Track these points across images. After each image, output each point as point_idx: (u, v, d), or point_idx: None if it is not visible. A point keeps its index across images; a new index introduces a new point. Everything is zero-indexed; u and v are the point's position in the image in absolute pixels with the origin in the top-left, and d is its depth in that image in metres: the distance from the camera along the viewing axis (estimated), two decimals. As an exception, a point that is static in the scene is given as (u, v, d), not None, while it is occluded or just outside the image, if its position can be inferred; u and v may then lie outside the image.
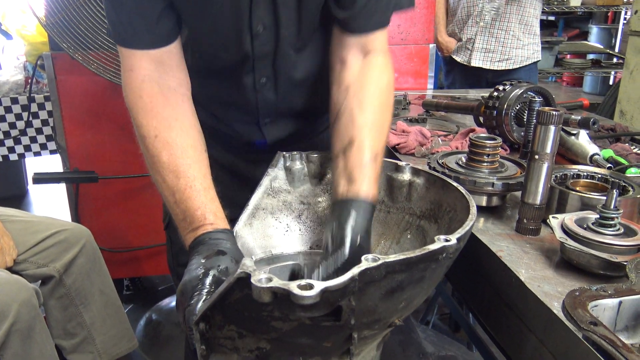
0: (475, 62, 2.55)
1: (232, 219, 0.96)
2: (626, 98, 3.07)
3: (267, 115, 1.16)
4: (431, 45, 2.33)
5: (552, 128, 0.92)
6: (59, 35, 1.96)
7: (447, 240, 0.67)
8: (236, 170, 1.27)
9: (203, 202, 0.88)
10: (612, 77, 5.49)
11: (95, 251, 1.78)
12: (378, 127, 0.96)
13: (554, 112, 0.91)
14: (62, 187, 2.46)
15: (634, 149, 1.51)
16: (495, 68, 2.56)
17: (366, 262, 0.58)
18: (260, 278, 0.55)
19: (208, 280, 0.73)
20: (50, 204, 3.90)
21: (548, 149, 0.93)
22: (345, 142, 0.93)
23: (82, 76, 2.19)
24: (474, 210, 0.79)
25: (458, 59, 2.61)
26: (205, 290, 0.72)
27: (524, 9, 2.46)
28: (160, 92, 0.96)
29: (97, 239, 1.82)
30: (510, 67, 2.56)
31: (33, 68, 2.52)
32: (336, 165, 0.93)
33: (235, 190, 1.18)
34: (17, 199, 3.99)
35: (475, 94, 2.18)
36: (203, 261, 0.77)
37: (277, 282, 0.55)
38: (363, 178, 0.88)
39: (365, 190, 0.87)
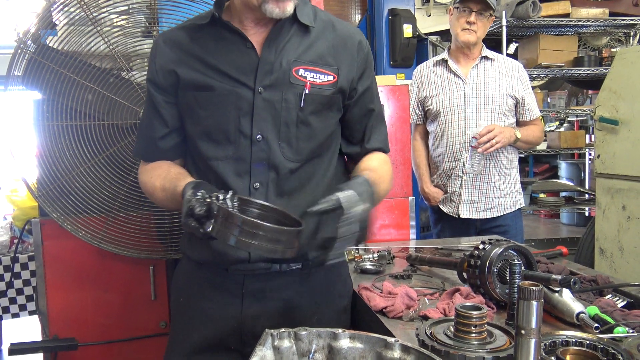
0: (464, 214, 2.66)
1: None
2: (603, 236, 3.16)
3: None
4: (410, 198, 2.43)
5: (534, 303, 0.94)
6: (50, 206, 2.01)
7: None
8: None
9: (178, 177, 1.31)
10: (587, 210, 5.69)
11: None
12: (377, 168, 1.44)
13: (534, 289, 0.93)
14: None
15: (617, 300, 1.53)
16: (481, 217, 2.67)
17: None
18: None
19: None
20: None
21: (533, 324, 0.94)
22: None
23: (69, 241, 2.18)
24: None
25: (445, 210, 2.72)
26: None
27: (501, 162, 2.65)
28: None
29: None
30: (495, 215, 2.67)
31: (20, 232, 2.54)
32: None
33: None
34: (-11, 364, 3.76)
35: (465, 244, 2.23)
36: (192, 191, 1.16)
37: None
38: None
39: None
